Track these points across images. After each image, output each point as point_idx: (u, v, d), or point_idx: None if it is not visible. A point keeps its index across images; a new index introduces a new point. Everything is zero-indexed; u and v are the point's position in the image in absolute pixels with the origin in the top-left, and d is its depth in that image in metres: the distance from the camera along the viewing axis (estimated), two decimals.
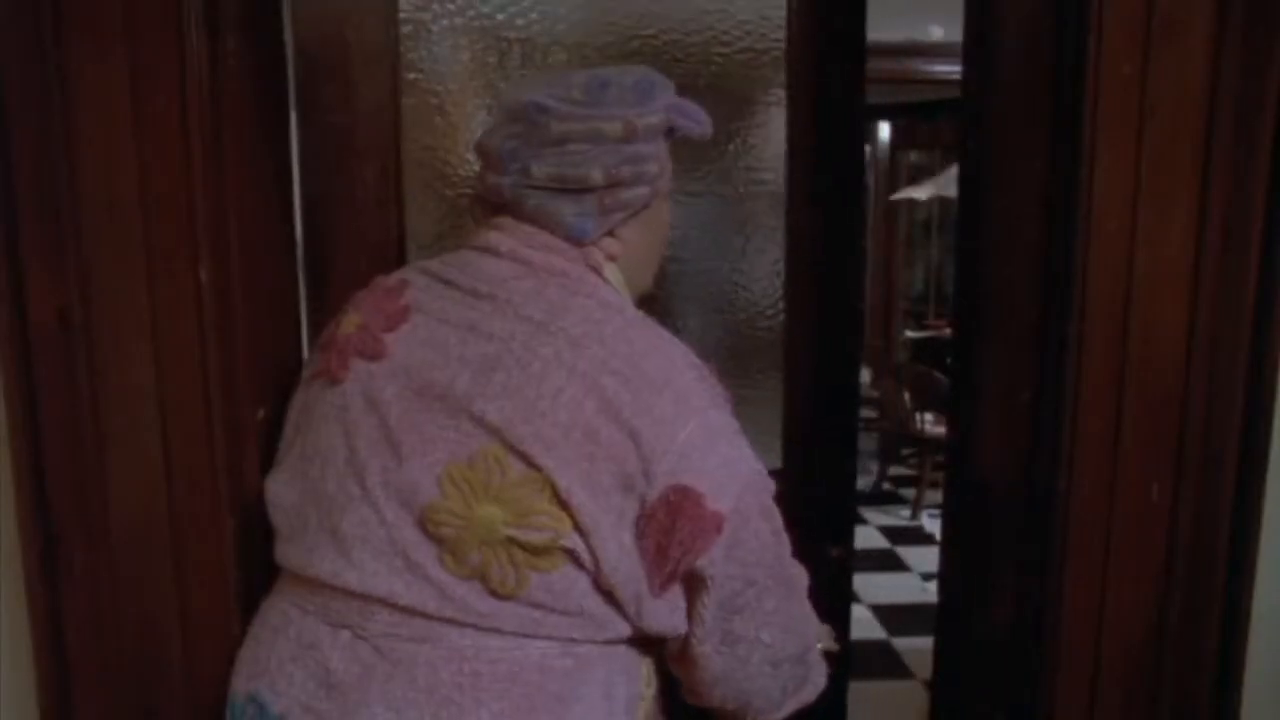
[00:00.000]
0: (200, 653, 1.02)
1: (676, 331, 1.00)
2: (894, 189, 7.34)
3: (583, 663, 0.85)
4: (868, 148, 7.41)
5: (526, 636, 0.83)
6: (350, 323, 0.93)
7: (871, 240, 7.47)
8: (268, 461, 1.05)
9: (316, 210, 1.32)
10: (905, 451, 4.77)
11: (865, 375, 5.46)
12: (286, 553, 0.93)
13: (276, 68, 1.15)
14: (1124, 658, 1.09)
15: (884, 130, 7.31)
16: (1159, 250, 1.00)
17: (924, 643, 3.03)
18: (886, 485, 4.69)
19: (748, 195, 1.48)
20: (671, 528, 0.81)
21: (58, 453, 0.97)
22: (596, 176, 0.90)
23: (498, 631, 0.82)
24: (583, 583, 0.83)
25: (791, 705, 0.99)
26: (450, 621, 0.82)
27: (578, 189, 0.90)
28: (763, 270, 1.50)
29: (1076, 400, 1.02)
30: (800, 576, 0.96)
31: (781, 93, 1.45)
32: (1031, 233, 1.23)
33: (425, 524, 0.82)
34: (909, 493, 4.58)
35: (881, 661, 3.04)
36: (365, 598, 0.84)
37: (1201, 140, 0.98)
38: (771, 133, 1.47)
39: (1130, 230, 1.01)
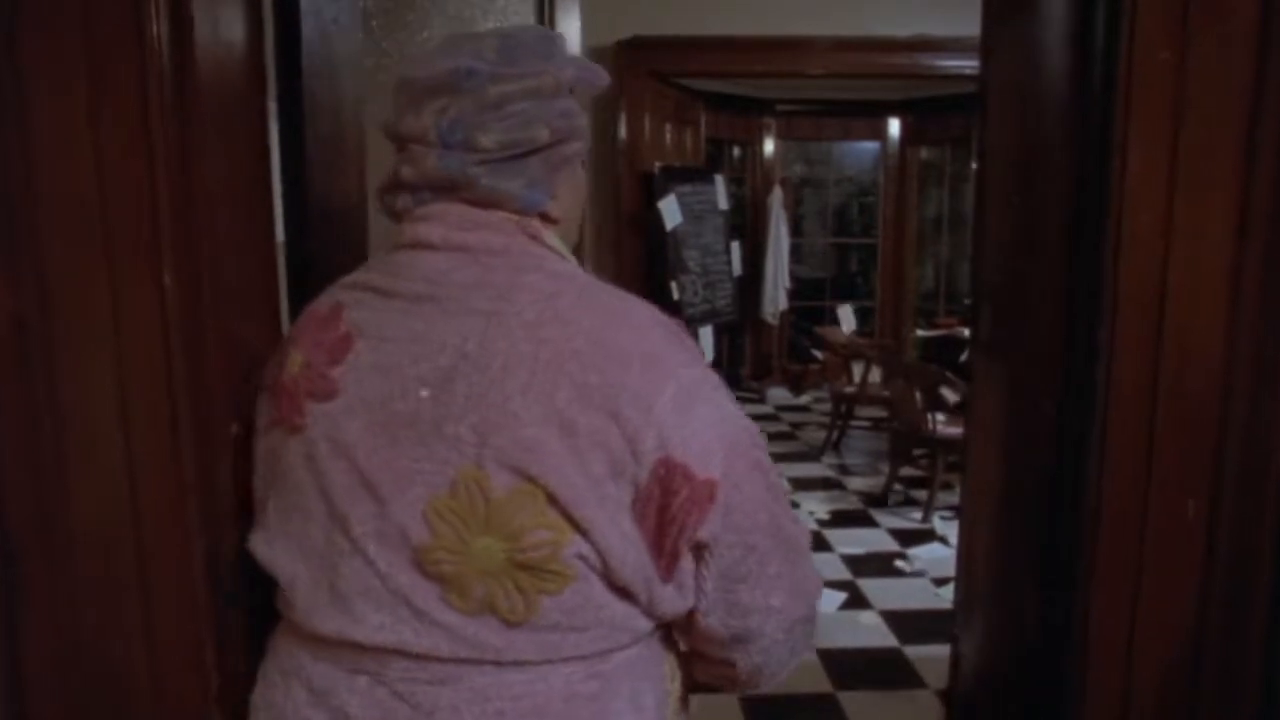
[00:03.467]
0: (169, 681, 0.96)
1: None
2: (904, 185, 7.26)
3: (608, 682, 0.83)
4: (877, 145, 7.35)
5: (548, 663, 0.80)
6: (294, 362, 0.86)
7: (881, 238, 7.41)
8: (244, 479, 0.99)
9: (306, 209, 1.26)
10: (917, 452, 4.69)
11: (876, 375, 5.38)
12: (286, 609, 0.88)
13: (253, 58, 1.09)
14: (1158, 684, 1.02)
15: (894, 126, 7.23)
16: (1196, 248, 0.93)
17: (938, 651, 2.97)
18: (898, 486, 4.61)
19: None
20: (666, 505, 0.78)
21: (15, 469, 0.91)
22: (543, 135, 0.85)
23: (517, 664, 0.79)
24: (595, 590, 0.79)
25: (794, 665, 0.96)
26: (467, 661, 0.79)
27: (526, 152, 0.86)
28: None
29: (1106, 412, 0.95)
30: (802, 534, 0.91)
31: None
32: (1054, 230, 1.16)
33: (422, 565, 0.78)
34: (921, 494, 4.50)
35: (893, 670, 2.97)
36: (377, 649, 0.80)
37: (1244, 130, 0.91)
38: None
39: (1165, 226, 0.93)
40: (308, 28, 1.17)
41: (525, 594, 0.77)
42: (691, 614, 0.86)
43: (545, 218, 0.89)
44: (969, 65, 5.93)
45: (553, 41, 0.90)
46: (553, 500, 0.76)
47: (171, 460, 0.92)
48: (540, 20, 1.73)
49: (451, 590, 0.78)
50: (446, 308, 0.80)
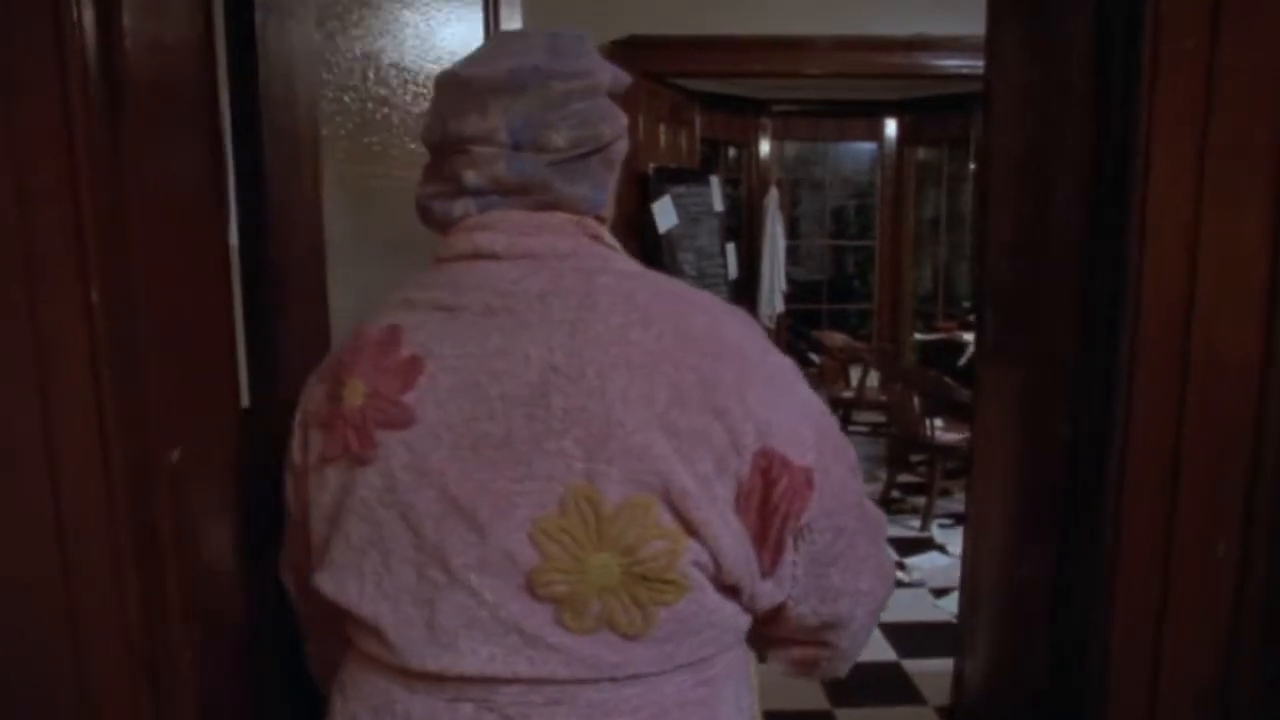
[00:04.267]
0: None
1: None
2: (902, 186, 7.18)
3: (714, 687, 0.82)
4: (874, 145, 7.27)
5: (663, 674, 0.79)
6: (356, 393, 0.81)
7: (879, 239, 7.32)
8: (188, 510, 0.90)
9: (264, 212, 1.17)
10: (915, 459, 4.61)
11: (874, 379, 5.30)
12: (365, 644, 0.84)
13: (201, 51, 1.00)
14: None
15: (891, 127, 7.15)
16: (1227, 254, 0.85)
17: (938, 665, 2.89)
18: (895, 493, 4.53)
19: None
20: (768, 497, 0.77)
21: None
22: (606, 132, 0.84)
23: (633, 678, 0.78)
24: (708, 594, 0.78)
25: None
26: (583, 681, 0.77)
27: (589, 151, 0.84)
28: None
29: (1126, 437, 0.87)
30: (880, 515, 0.92)
31: None
32: (1066, 232, 1.07)
33: (533, 589, 0.76)
34: (919, 501, 4.42)
35: (891, 685, 2.88)
36: (486, 680, 0.78)
37: (1277, 125, 0.82)
38: None
39: (1193, 229, 0.85)
40: (261, 19, 1.09)
41: (643, 607, 0.75)
42: (782, 605, 0.84)
43: (599, 217, 0.87)
44: (969, 65, 5.95)
45: (585, 41, 0.88)
46: (667, 507, 0.74)
47: (102, 492, 0.84)
48: (486, 18, 1.65)
49: (566, 610, 0.76)
50: (524, 319, 0.77)
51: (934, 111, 6.84)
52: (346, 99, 1.31)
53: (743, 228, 7.06)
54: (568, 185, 0.83)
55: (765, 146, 7.16)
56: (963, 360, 4.50)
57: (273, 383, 1.14)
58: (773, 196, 6.92)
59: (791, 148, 7.55)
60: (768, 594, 0.82)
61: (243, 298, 1.14)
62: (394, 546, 0.79)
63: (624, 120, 0.88)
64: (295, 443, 0.88)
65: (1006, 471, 1.50)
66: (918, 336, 5.21)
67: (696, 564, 0.76)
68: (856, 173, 7.68)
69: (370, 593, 0.80)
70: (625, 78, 0.91)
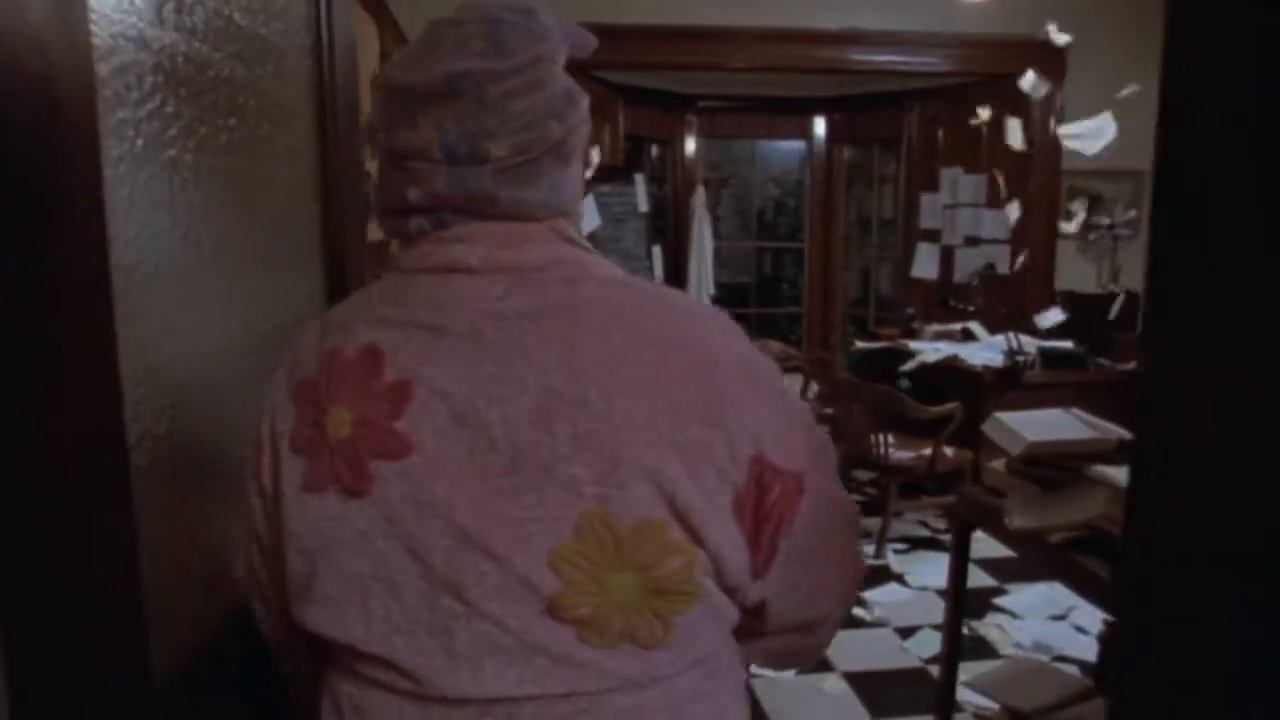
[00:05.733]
0: None
1: None
2: (831, 186, 6.94)
3: (720, 679, 0.85)
4: (802, 144, 7.02)
5: (678, 673, 0.80)
6: (342, 422, 0.78)
7: (809, 241, 7.08)
8: None
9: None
10: (863, 478, 4.32)
11: (814, 390, 5.00)
12: (379, 676, 0.80)
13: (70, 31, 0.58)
14: None
15: (820, 125, 6.91)
16: None
17: None
18: None
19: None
20: (761, 503, 0.79)
21: None
22: (555, 130, 0.80)
23: (654, 680, 0.79)
24: (716, 598, 0.80)
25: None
26: (610, 690, 0.78)
27: (538, 153, 0.79)
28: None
29: None
30: (855, 508, 0.94)
31: None
32: None
33: (556, 614, 0.75)
34: (871, 523, 4.12)
35: None
36: (513, 699, 0.77)
37: None
38: None
39: None
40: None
41: (662, 618, 0.77)
42: (764, 602, 0.86)
43: (563, 214, 0.84)
44: (903, 60, 5.80)
45: (534, 15, 0.83)
46: (678, 523, 0.75)
47: None
48: (315, 13, 1.29)
49: (589, 629, 0.76)
50: (515, 341, 0.76)
51: (864, 109, 6.64)
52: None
53: (669, 229, 6.73)
54: (518, 192, 0.79)
55: (691, 144, 6.83)
56: (908, 368, 4.23)
57: None
58: (699, 196, 6.60)
59: (718, 145, 7.23)
60: (755, 590, 0.84)
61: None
62: (401, 579, 0.77)
63: (582, 104, 0.83)
64: (264, 464, 0.83)
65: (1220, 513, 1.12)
66: (859, 344, 4.92)
67: (706, 572, 0.78)
68: (785, 172, 7.41)
69: (379, 629, 0.78)
70: (588, 39, 0.87)
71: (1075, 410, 2.30)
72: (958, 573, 2.37)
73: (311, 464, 0.79)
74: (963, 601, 2.39)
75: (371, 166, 0.87)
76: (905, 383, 4.22)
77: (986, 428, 2.24)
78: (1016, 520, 1.98)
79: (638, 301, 0.79)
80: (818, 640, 0.96)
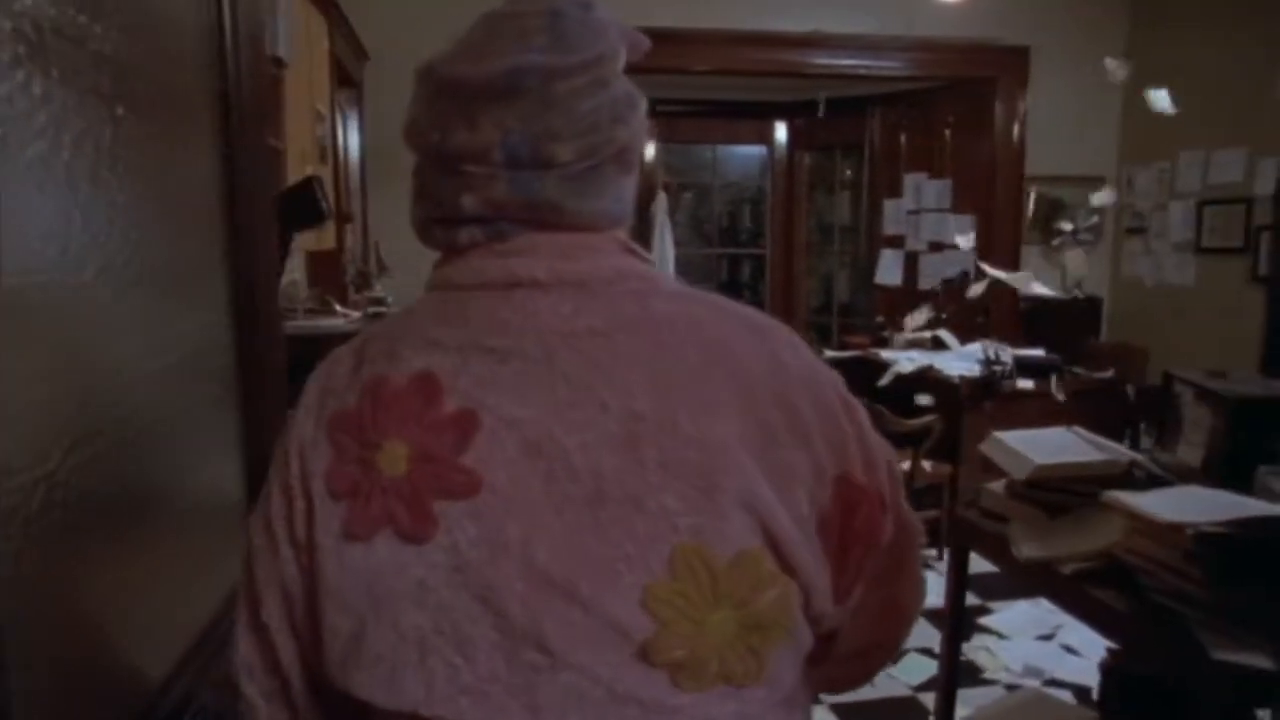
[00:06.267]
0: None
1: None
2: (793, 193, 6.85)
3: (798, 709, 0.80)
4: (763, 149, 6.92)
5: (767, 711, 0.73)
6: (398, 457, 0.70)
7: (771, 247, 6.98)
8: None
9: None
10: None
11: None
12: None
13: None
14: None
15: (781, 130, 6.82)
16: None
17: None
18: None
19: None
20: (849, 525, 0.75)
21: None
22: (622, 135, 0.74)
23: (743, 716, 0.73)
24: (804, 629, 0.75)
25: None
26: None
27: (602, 160, 0.73)
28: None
29: None
30: (920, 525, 0.88)
31: None
32: None
33: (649, 658, 0.68)
34: None
35: None
36: None
37: None
38: None
39: None
40: None
41: (758, 654, 0.71)
42: (835, 628, 0.83)
43: (622, 225, 0.79)
44: (865, 64, 5.73)
45: (592, 8, 0.77)
46: (772, 553, 0.71)
47: None
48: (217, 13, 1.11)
49: (684, 673, 0.70)
50: (592, 361, 0.70)
51: (827, 114, 6.56)
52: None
53: (629, 236, 6.58)
54: (582, 202, 0.74)
55: (650, 149, 6.69)
56: (884, 380, 4.12)
57: None
58: (661, 202, 6.46)
59: (678, 151, 7.10)
60: (834, 618, 0.80)
61: None
62: (471, 632, 0.68)
63: (642, 108, 0.78)
64: (296, 511, 0.73)
65: None
66: (829, 354, 4.81)
67: (798, 602, 0.74)
68: (746, 177, 7.31)
69: (443, 690, 0.69)
70: (641, 40, 0.81)
71: (1076, 428, 2.19)
72: (955, 600, 2.25)
73: (355, 508, 0.71)
74: (959, 631, 2.27)
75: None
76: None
77: (986, 449, 2.12)
78: (1025, 550, 1.85)
79: (709, 316, 0.75)
80: (879, 665, 0.94)
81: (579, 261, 0.73)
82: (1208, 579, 1.51)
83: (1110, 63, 4.29)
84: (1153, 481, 1.93)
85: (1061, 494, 1.97)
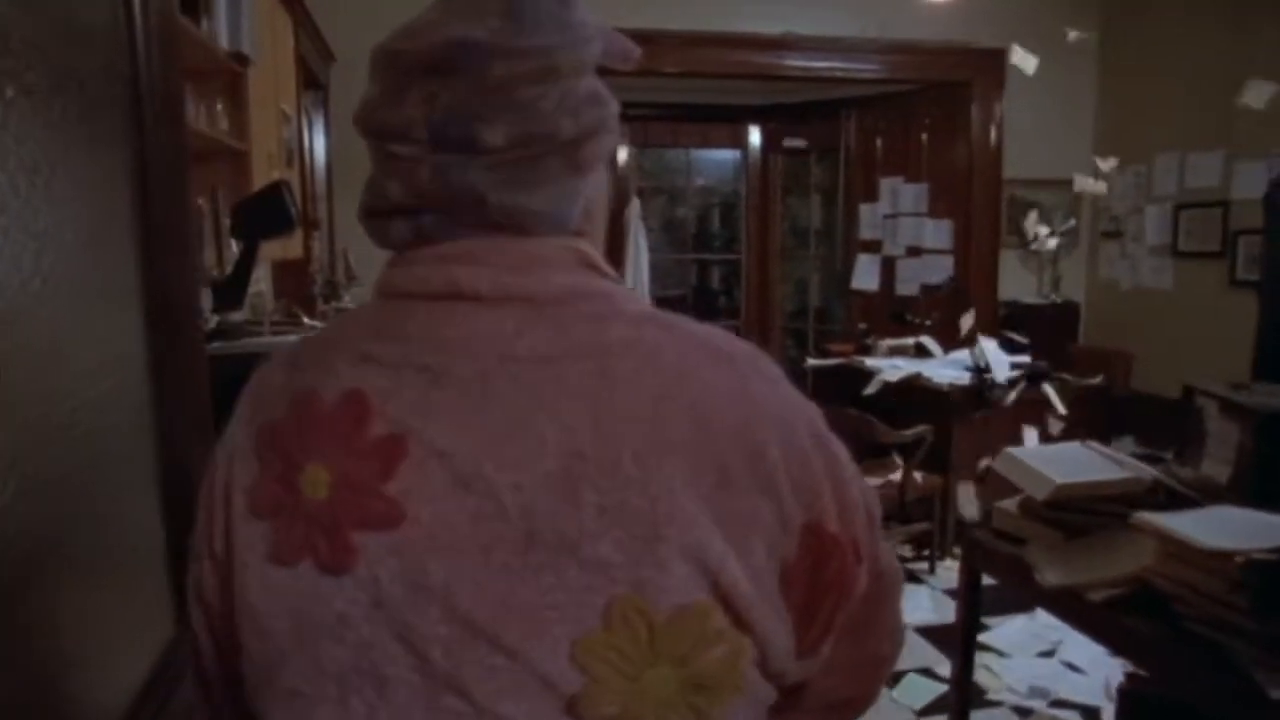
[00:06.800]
0: None
1: None
2: (768, 196, 6.77)
3: None
4: (736, 153, 6.84)
5: None
6: (317, 481, 0.66)
7: (746, 252, 6.90)
8: None
9: None
10: None
11: None
12: None
13: None
14: None
15: (755, 134, 6.74)
16: None
17: None
18: None
19: None
20: (818, 578, 0.69)
21: None
22: (567, 127, 0.69)
23: None
24: (760, 686, 0.69)
25: None
26: None
27: (542, 152, 0.68)
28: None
29: None
30: (900, 570, 0.84)
31: None
32: None
33: (578, 713, 0.64)
34: None
35: None
36: None
37: None
38: None
39: None
40: None
41: (703, 714, 0.66)
42: (803, 682, 0.77)
43: (579, 233, 0.73)
44: (839, 66, 5.66)
45: (571, 5, 0.72)
46: (723, 608, 0.65)
47: None
48: None
49: None
50: (532, 390, 0.65)
51: (800, 117, 6.50)
52: None
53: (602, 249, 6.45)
54: (512, 195, 0.68)
55: (623, 154, 6.57)
56: (871, 389, 4.03)
57: None
58: (635, 208, 6.33)
59: (651, 155, 6.99)
60: (798, 672, 0.74)
61: None
62: (391, 673, 0.65)
63: (608, 110, 0.72)
64: (216, 527, 0.70)
65: None
66: (811, 362, 4.72)
67: (752, 661, 0.68)
68: (720, 181, 7.21)
69: None
70: (629, 49, 0.76)
71: (1092, 444, 2.11)
72: (967, 627, 2.15)
73: (280, 530, 0.68)
74: (970, 658, 2.17)
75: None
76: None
77: (1001, 466, 2.03)
78: (1050, 577, 1.75)
79: (671, 343, 0.69)
80: (853, 717, 0.90)
81: (529, 275, 0.68)
82: (1257, 609, 1.42)
83: (1073, 34, 4.27)
84: (1177, 500, 1.85)
85: (1083, 514, 1.88)
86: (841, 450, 0.74)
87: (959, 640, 2.15)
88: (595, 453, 0.64)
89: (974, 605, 2.15)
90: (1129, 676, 2.15)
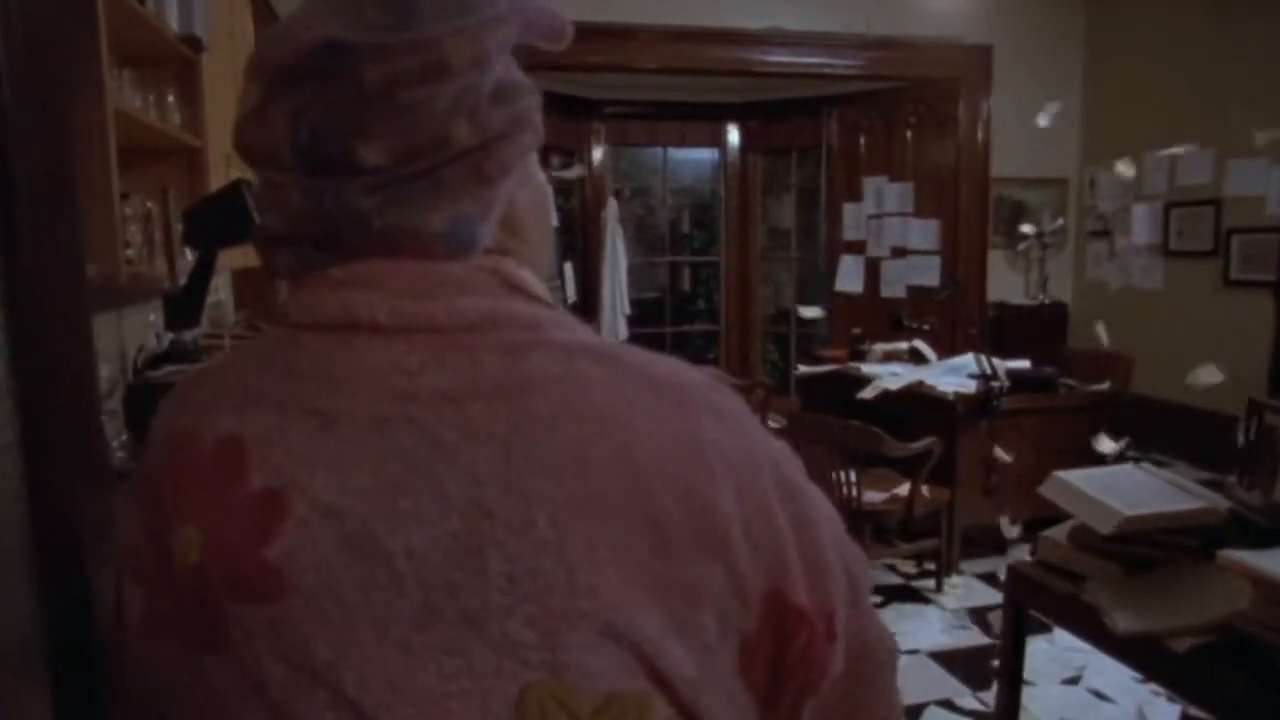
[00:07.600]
0: None
1: None
2: (747, 196, 6.60)
3: None
4: (715, 152, 6.65)
5: None
6: (190, 544, 0.59)
7: (725, 253, 6.72)
8: None
9: None
10: None
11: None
12: None
13: None
14: None
15: (734, 132, 6.56)
16: None
17: None
18: None
19: None
20: (782, 657, 0.60)
21: None
22: (461, 132, 0.60)
23: None
24: None
25: None
26: None
27: (435, 163, 0.60)
28: None
29: None
30: (894, 643, 0.74)
31: None
32: None
33: None
34: None
35: None
36: None
37: None
38: None
39: None
40: None
41: None
42: None
43: (503, 251, 0.64)
44: (823, 63, 5.50)
45: None
46: (664, 696, 0.57)
47: None
48: None
49: None
50: (434, 437, 0.56)
51: (779, 115, 6.33)
52: None
53: (579, 244, 6.23)
54: (402, 218, 0.59)
55: (598, 153, 6.36)
56: (870, 393, 3.86)
57: None
58: (611, 209, 6.14)
59: (628, 154, 6.78)
60: None
61: None
62: None
63: (521, 104, 0.62)
64: (113, 588, 0.66)
65: None
66: (803, 368, 4.54)
67: None
68: (698, 181, 7.02)
69: None
70: (560, 26, 0.67)
71: (1146, 465, 1.93)
72: (1012, 671, 1.96)
73: (153, 597, 0.62)
74: (1016, 704, 1.98)
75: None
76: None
77: (1049, 493, 1.84)
78: (1122, 623, 1.56)
79: (604, 377, 0.60)
80: None
81: (433, 301, 0.60)
82: None
83: (1050, 106, 4.14)
84: (1252, 531, 1.67)
85: (1149, 546, 1.70)
86: (817, 501, 0.64)
87: (1003, 686, 1.96)
88: (504, 511, 0.56)
89: (1020, 648, 1.96)
90: (1185, 715, 1.98)
